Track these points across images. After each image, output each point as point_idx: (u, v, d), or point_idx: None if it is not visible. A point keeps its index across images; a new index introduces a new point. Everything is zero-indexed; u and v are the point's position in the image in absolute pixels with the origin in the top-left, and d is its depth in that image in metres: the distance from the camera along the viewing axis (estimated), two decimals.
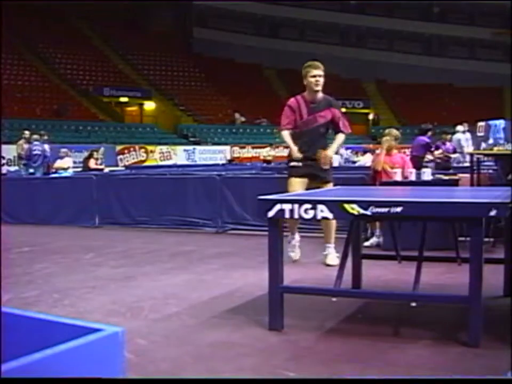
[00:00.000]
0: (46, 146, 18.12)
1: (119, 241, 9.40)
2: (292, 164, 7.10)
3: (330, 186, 6.88)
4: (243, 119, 39.04)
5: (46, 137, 19.05)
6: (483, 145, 8.37)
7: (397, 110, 45.86)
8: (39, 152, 17.31)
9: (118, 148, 31.75)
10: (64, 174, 16.02)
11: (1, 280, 5.57)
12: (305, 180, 7.01)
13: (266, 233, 4.48)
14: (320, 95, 7.08)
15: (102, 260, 7.71)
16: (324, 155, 7.00)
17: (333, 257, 6.95)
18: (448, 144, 14.56)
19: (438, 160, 14.35)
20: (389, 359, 3.83)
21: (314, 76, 6.98)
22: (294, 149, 6.96)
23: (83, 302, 5.42)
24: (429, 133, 12.45)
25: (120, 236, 10.06)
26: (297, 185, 6.92)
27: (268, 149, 28.20)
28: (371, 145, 28.91)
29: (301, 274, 6.32)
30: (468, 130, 16.74)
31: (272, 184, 9.08)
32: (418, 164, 10.22)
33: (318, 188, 6.58)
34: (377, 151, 9.57)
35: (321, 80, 7.01)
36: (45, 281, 6.39)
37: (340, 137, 7.24)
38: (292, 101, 7.13)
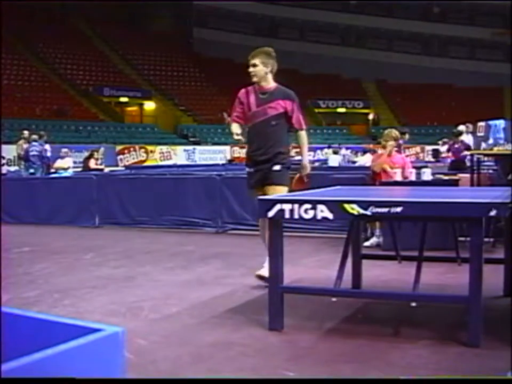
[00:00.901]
0: (47, 146, 18.11)
1: (119, 241, 9.40)
2: (247, 169, 6.24)
3: (280, 190, 5.88)
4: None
5: (45, 138, 19.03)
6: (483, 145, 8.37)
7: (397, 110, 45.90)
8: (36, 153, 17.29)
9: (118, 148, 31.79)
10: (64, 174, 16.02)
11: (1, 280, 5.57)
12: (259, 190, 5.96)
13: None
14: (272, 85, 6.07)
15: (102, 260, 7.71)
16: (299, 176, 6.21)
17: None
18: (459, 144, 14.50)
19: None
20: (389, 359, 3.83)
21: (247, 67, 6.06)
22: (235, 132, 6.08)
23: (83, 302, 5.42)
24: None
25: (120, 236, 10.06)
26: (253, 196, 5.93)
27: None
28: (371, 145, 28.90)
29: (301, 274, 6.31)
30: (471, 132, 16.60)
31: None
32: None
33: (264, 194, 5.71)
34: (380, 151, 9.54)
35: (256, 70, 5.98)
36: (45, 281, 6.39)
37: (302, 138, 6.20)
38: (241, 91, 6.22)
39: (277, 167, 6.01)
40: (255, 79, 6.05)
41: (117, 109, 39.03)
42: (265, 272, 5.47)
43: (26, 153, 17.56)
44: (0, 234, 8.26)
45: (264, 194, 5.63)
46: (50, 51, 39.43)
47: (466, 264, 4.13)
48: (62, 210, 11.42)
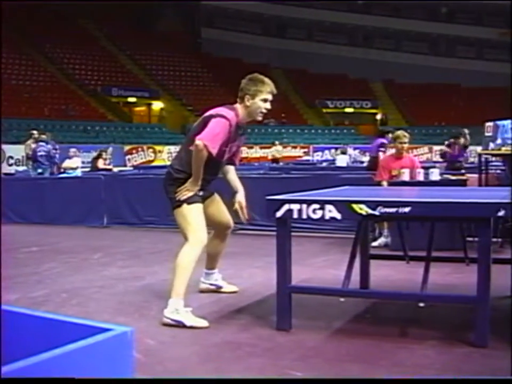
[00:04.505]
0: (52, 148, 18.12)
1: (127, 241, 9.42)
2: (198, 192, 5.39)
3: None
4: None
5: (50, 137, 19.02)
6: (491, 145, 8.35)
7: (404, 110, 45.80)
8: (44, 153, 17.31)
9: (126, 148, 31.84)
10: (73, 174, 16.05)
11: (1, 280, 5.60)
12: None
13: (274, 233, 4.49)
14: None
15: (110, 260, 7.73)
16: (241, 206, 5.67)
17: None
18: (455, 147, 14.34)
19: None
20: (396, 359, 3.83)
21: (265, 101, 5.13)
22: (198, 182, 5.25)
23: (91, 302, 5.43)
24: (390, 135, 11.74)
25: (128, 236, 10.08)
26: (201, 211, 5.50)
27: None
28: None
29: (309, 274, 6.31)
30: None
31: (280, 184, 9.09)
32: (374, 165, 9.98)
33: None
34: (388, 152, 9.45)
35: None
36: (53, 281, 6.40)
37: (234, 172, 5.69)
38: (232, 118, 5.07)
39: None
40: (261, 118, 5.28)
41: (125, 109, 39.09)
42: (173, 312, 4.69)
43: (34, 153, 17.57)
44: (0, 234, 8.28)
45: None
46: (58, 51, 39.50)
47: (474, 265, 4.13)
48: (70, 210, 11.44)
